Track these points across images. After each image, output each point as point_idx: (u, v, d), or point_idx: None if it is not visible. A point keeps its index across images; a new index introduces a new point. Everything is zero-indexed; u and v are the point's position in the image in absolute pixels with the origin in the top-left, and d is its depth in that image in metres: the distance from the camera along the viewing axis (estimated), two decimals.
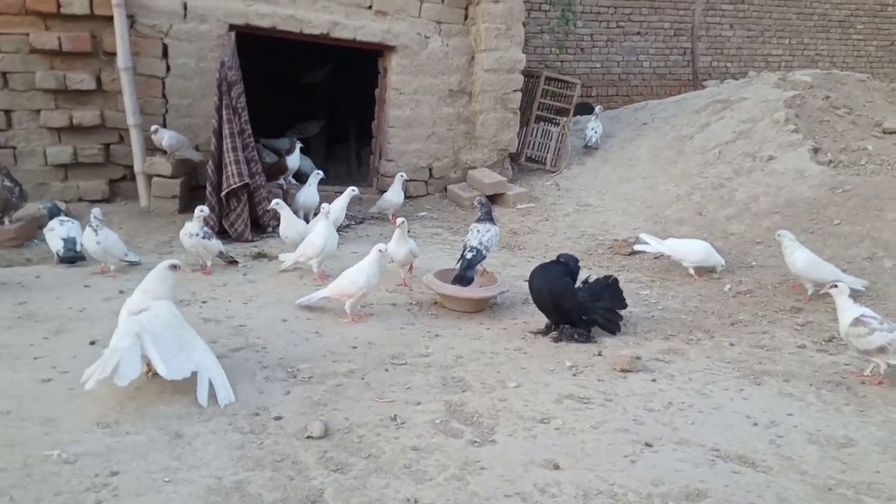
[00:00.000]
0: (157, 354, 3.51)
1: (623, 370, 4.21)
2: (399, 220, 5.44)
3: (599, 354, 4.49)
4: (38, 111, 6.88)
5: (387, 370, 4.13)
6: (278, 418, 3.50)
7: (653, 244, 6.22)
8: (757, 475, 3.19)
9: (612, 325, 4.89)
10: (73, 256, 5.50)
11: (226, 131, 6.35)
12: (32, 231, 6.39)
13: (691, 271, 6.00)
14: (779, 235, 5.53)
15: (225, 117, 6.35)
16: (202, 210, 5.51)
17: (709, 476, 3.17)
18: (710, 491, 3.04)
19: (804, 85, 9.09)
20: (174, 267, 4.04)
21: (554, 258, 5.07)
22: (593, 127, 9.36)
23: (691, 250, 5.95)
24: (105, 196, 7.20)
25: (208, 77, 7.13)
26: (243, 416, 3.49)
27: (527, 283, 5.51)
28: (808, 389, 4.06)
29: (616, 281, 5.11)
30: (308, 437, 3.34)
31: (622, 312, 5.00)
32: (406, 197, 7.77)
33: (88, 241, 5.23)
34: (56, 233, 5.56)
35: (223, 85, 6.38)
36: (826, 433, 3.58)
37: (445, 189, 8.46)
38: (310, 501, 2.88)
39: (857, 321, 4.10)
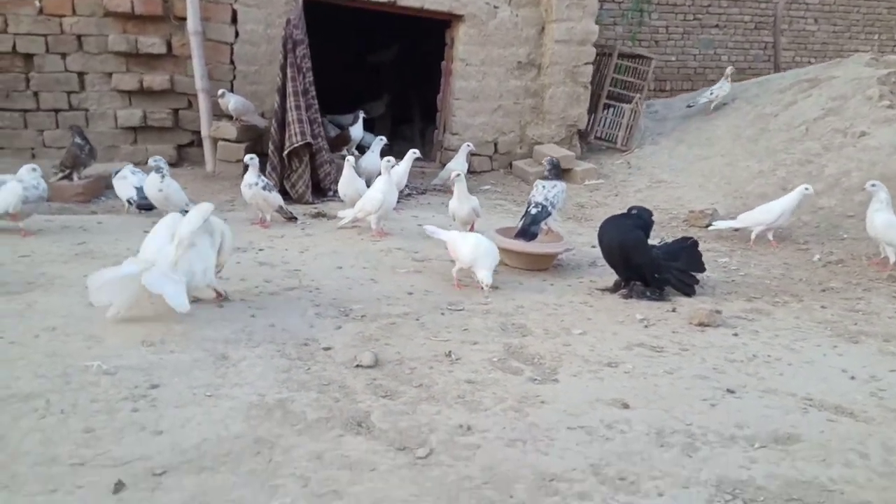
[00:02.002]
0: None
1: (701, 324, 3.85)
2: (454, 173, 5.22)
3: (674, 311, 4.14)
4: (109, 74, 6.99)
5: (443, 314, 3.90)
6: (328, 349, 3.32)
7: (727, 223, 5.85)
8: (857, 424, 2.81)
9: (687, 288, 4.52)
10: (149, 204, 5.46)
11: (289, 90, 6.27)
12: (100, 189, 6.44)
13: (770, 236, 5.59)
14: (873, 185, 5.02)
15: (289, 75, 6.28)
16: (252, 157, 5.40)
17: (801, 423, 2.80)
18: (802, 436, 2.68)
19: None
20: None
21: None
22: (718, 86, 8.91)
23: (764, 210, 5.56)
24: (172, 160, 7.22)
25: (275, 44, 7.09)
26: (292, 345, 3.33)
27: (594, 249, 5.22)
28: None
29: (695, 243, 4.75)
30: (357, 365, 3.14)
31: (699, 276, 4.64)
32: (469, 172, 7.55)
33: (151, 187, 5.21)
34: (128, 181, 5.59)
35: (288, 43, 6.31)
36: None
37: (510, 165, 8.20)
38: (355, 422, 2.67)
39: None
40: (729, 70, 9.21)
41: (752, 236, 5.65)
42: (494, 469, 2.40)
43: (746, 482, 2.36)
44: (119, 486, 2.20)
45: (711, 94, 8.93)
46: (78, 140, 6.26)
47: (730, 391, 3.06)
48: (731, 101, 9.16)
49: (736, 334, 3.75)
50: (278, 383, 2.95)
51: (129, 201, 5.59)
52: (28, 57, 6.79)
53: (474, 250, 4.19)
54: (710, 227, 5.95)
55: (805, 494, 2.31)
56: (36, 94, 6.89)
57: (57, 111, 6.98)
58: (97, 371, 2.91)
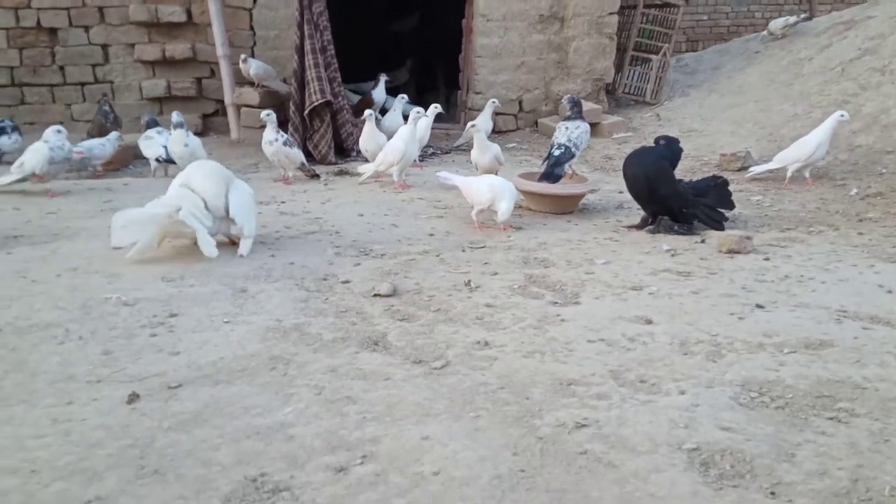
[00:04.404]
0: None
1: (731, 251, 3.73)
2: (469, 123, 5.14)
3: (703, 242, 4.02)
4: (132, 45, 7.06)
5: (463, 251, 3.85)
6: (346, 282, 3.30)
7: (763, 167, 5.63)
8: (894, 331, 2.68)
9: (716, 224, 4.37)
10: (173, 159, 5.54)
11: (307, 47, 6.23)
12: (129, 158, 6.51)
13: (806, 174, 5.37)
14: None
15: (306, 33, 6.23)
16: (269, 113, 5.37)
17: (834, 330, 2.69)
18: (835, 342, 2.57)
19: None
20: None
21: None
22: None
23: (801, 144, 5.33)
24: (198, 130, 7.26)
25: (294, 7, 7.04)
26: (311, 280, 3.32)
27: (621, 195, 5.10)
28: None
29: (725, 181, 4.60)
30: (375, 294, 3.11)
31: (728, 214, 4.49)
32: (494, 131, 7.42)
33: (176, 143, 5.23)
34: (155, 140, 5.66)
35: (304, 0, 6.26)
36: None
37: (536, 123, 8.06)
38: (372, 341, 2.65)
39: None
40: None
41: (788, 174, 5.44)
42: (511, 377, 2.35)
43: (774, 382, 2.27)
44: (133, 397, 2.21)
45: (787, 21, 8.74)
46: (105, 108, 6.36)
47: (759, 306, 2.95)
48: (763, 48, 8.87)
49: (767, 258, 3.62)
50: (296, 311, 2.94)
51: (157, 159, 5.63)
52: (52, 31, 6.89)
53: (490, 188, 4.12)
54: (748, 174, 5.72)
55: (836, 392, 2.20)
56: (62, 68, 7.00)
57: (83, 84, 7.08)
58: (116, 303, 2.94)
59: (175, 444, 1.95)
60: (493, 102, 7.07)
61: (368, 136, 5.80)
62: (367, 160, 6.00)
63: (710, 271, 3.44)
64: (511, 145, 7.57)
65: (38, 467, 1.86)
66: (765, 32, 9.14)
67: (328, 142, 6.40)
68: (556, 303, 3.05)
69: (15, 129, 5.97)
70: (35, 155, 4.72)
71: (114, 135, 5.93)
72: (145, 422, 2.07)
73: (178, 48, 7.07)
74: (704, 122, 7.57)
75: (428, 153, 6.91)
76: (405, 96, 6.95)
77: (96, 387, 2.29)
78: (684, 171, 5.79)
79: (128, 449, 1.93)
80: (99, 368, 2.41)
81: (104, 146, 5.80)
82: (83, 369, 2.40)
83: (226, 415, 2.11)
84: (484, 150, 5.19)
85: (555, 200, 4.78)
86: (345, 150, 6.64)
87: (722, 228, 4.34)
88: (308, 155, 6.31)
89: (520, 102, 8.02)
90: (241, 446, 1.94)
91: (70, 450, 1.93)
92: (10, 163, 5.01)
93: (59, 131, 4.90)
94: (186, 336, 2.67)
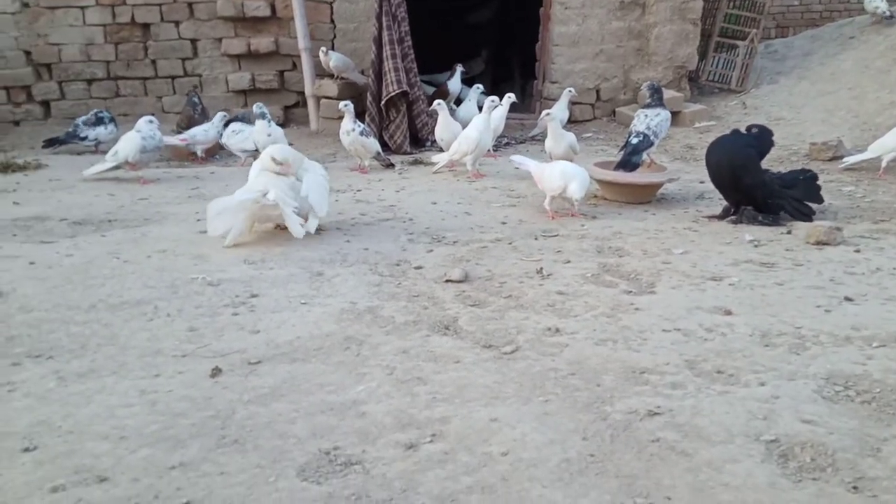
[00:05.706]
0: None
1: (818, 242, 3.56)
2: (544, 113, 5.09)
3: (789, 233, 3.86)
4: (219, 40, 7.32)
5: (536, 239, 3.83)
6: (419, 268, 3.34)
7: (858, 156, 5.33)
8: None
9: (803, 216, 4.17)
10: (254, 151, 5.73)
11: (385, 38, 6.32)
12: (215, 149, 6.76)
13: None
14: None
15: (384, 24, 6.32)
16: (347, 104, 5.46)
17: None
18: None
19: None
20: None
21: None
22: None
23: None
24: (280, 121, 7.45)
25: (372, 0, 7.16)
26: (384, 265, 3.37)
27: (702, 185, 4.96)
28: None
29: (814, 176, 4.38)
30: (447, 280, 3.14)
31: (816, 208, 4.28)
32: (570, 121, 7.32)
33: (260, 133, 5.41)
34: (245, 133, 5.83)
35: None
36: None
37: (613, 113, 7.90)
38: (443, 325, 2.68)
39: None
40: None
41: (883, 164, 5.14)
42: (581, 363, 2.33)
43: (861, 376, 2.16)
44: (216, 372, 2.31)
45: (877, 9, 8.23)
46: (193, 100, 6.63)
47: (847, 299, 2.81)
48: (858, 33, 8.40)
49: (858, 250, 3.45)
50: (369, 294, 3.00)
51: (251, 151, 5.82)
52: (145, 27, 7.23)
53: (562, 175, 4.07)
54: (842, 164, 5.42)
55: None
56: (154, 62, 7.34)
57: (173, 78, 7.40)
58: (202, 283, 3.07)
59: (254, 417, 2.03)
60: (570, 91, 6.97)
61: (443, 126, 5.83)
62: (441, 150, 6.04)
63: (796, 263, 3.30)
64: (587, 135, 7.46)
65: (126, 434, 1.96)
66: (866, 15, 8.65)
67: (403, 132, 6.47)
68: (631, 292, 3.00)
69: (111, 119, 6.31)
70: (128, 144, 4.97)
71: (219, 116, 6.12)
72: (227, 395, 2.16)
73: (262, 42, 7.29)
74: (793, 111, 7.25)
75: (502, 143, 6.89)
76: (480, 86, 6.94)
77: (182, 361, 2.40)
78: (771, 161, 5.55)
79: (210, 420, 2.03)
80: (184, 344, 2.53)
81: (207, 132, 6.05)
82: (170, 344, 2.52)
83: (302, 391, 2.18)
84: (558, 139, 5.13)
85: (631, 190, 4.68)
86: (420, 139, 6.70)
87: (810, 220, 4.15)
88: (384, 145, 6.41)
89: (597, 91, 7.88)
90: (316, 420, 2.00)
91: (156, 419, 2.04)
92: (106, 151, 5.31)
93: (150, 121, 5.14)
94: (266, 316, 2.77)
